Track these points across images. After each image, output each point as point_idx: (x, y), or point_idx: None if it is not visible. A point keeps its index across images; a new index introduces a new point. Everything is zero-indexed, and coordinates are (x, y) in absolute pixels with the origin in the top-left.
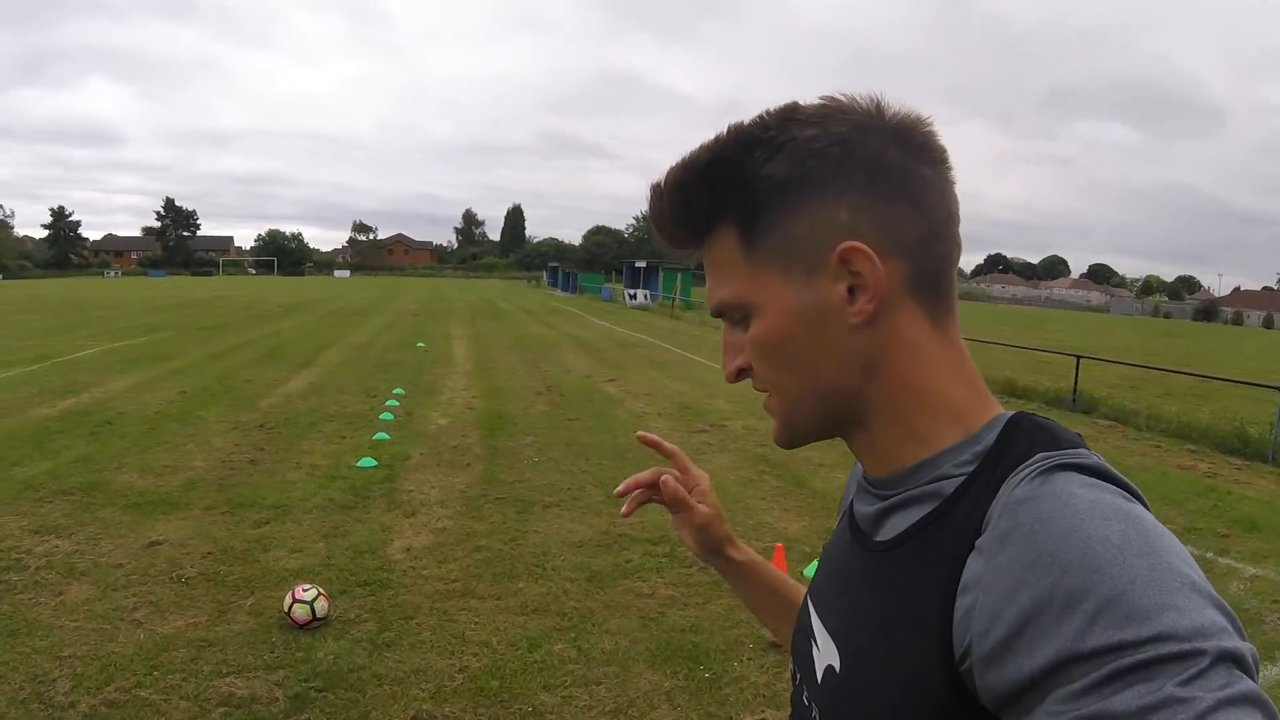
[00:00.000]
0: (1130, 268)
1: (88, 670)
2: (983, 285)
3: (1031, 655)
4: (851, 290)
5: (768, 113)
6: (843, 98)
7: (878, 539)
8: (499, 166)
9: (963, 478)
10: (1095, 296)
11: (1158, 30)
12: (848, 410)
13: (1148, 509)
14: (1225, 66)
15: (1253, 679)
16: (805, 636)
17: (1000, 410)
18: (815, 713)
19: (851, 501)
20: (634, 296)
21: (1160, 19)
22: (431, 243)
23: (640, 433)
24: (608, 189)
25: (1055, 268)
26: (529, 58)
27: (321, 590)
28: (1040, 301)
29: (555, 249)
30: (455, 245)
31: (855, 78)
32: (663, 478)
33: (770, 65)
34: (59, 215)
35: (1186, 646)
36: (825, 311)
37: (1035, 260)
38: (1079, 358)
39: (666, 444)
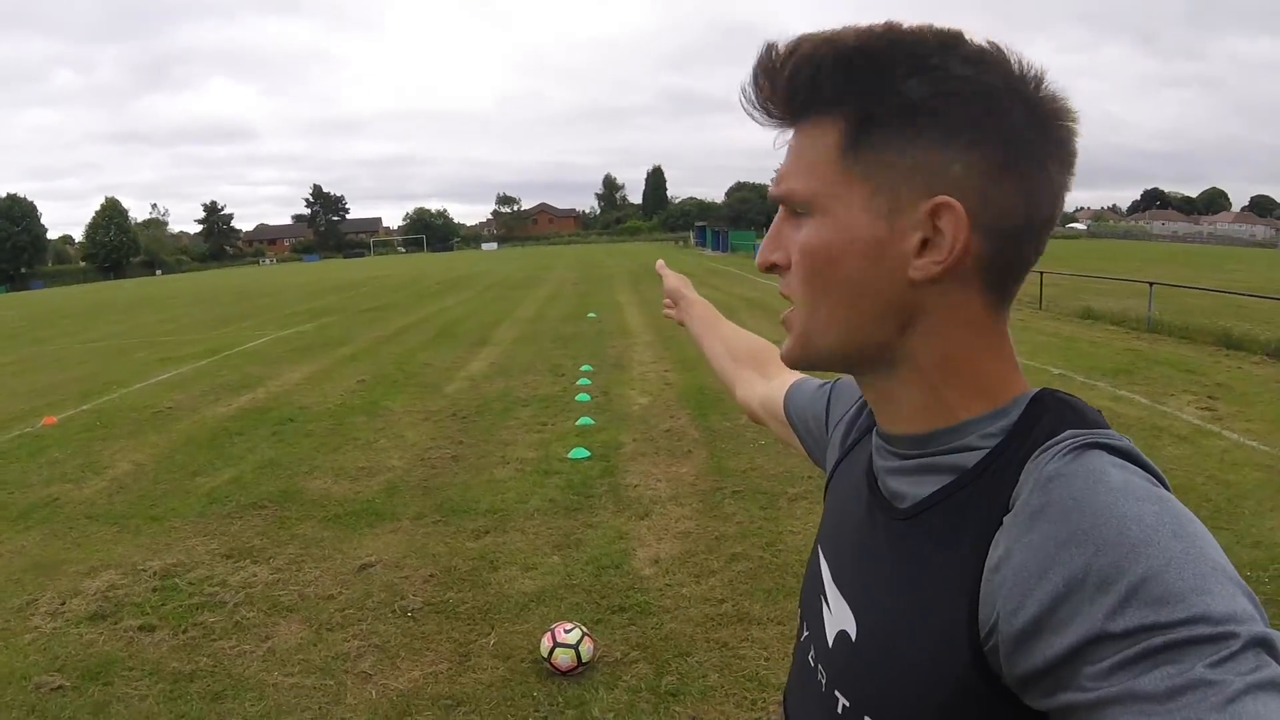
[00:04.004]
0: None
1: None
2: (1141, 222)
3: (1062, 634)
4: (924, 244)
5: (931, 29)
6: (1007, 50)
7: (899, 505)
8: (627, 130)
9: (987, 450)
10: (1260, 231)
11: None
12: (871, 356)
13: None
14: None
15: None
16: (815, 591)
17: (1028, 387)
18: (822, 676)
19: (871, 454)
20: None
21: None
22: (575, 210)
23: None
24: (743, 144)
25: (1215, 201)
26: (637, 15)
27: (586, 630)
28: (1203, 238)
29: (698, 208)
30: (598, 211)
31: (986, 7)
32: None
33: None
34: (211, 209)
35: (1219, 630)
36: (887, 252)
37: (1193, 194)
38: None
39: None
